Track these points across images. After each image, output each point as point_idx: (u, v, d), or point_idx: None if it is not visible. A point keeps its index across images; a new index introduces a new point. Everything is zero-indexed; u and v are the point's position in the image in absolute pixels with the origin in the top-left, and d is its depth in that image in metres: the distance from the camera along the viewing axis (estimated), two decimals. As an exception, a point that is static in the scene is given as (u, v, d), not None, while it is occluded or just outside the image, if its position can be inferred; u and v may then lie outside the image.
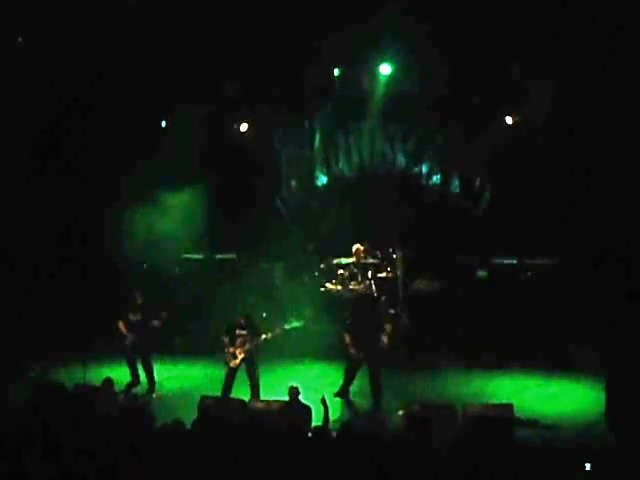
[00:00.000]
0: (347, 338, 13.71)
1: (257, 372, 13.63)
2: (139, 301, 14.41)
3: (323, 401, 11.01)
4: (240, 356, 13.48)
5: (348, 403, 13.75)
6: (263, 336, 13.54)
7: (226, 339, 13.56)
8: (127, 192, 16.89)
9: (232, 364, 13.50)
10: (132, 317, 14.31)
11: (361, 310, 14.30)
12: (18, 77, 15.51)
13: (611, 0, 14.15)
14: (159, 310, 14.25)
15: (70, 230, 16.95)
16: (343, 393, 13.88)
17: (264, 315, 13.79)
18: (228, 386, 13.49)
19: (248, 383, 13.56)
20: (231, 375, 13.54)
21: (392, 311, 15.85)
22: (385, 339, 13.59)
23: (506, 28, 15.15)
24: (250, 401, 12.97)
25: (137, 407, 10.38)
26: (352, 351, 13.66)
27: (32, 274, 16.33)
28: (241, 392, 13.36)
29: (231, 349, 13.52)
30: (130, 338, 14.25)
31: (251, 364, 13.58)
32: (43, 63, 15.53)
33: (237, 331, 13.55)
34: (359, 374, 14.00)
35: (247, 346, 13.49)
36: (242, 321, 13.60)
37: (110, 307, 14.97)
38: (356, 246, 16.94)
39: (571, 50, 14.82)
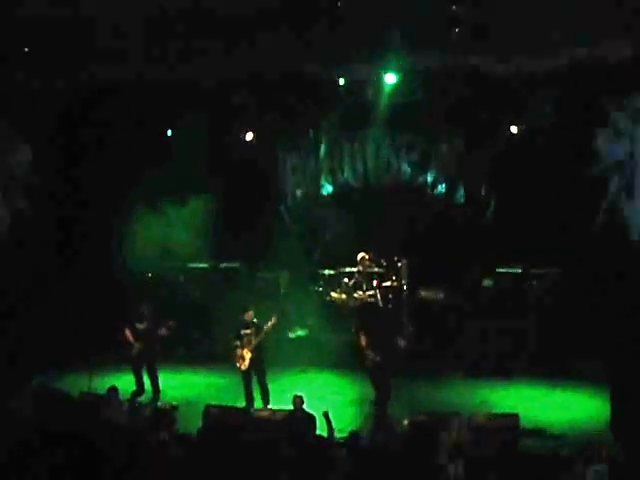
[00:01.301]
0: (363, 340, 13.59)
1: (265, 378, 13.70)
2: (146, 310, 14.42)
3: (326, 416, 10.98)
4: (247, 356, 13.54)
5: (353, 412, 13.74)
6: (264, 327, 13.60)
7: (237, 342, 13.65)
8: (132, 201, 16.91)
9: (242, 366, 13.55)
10: (139, 326, 14.32)
11: (370, 317, 14.29)
12: (22, 83, 15.53)
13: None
14: (165, 319, 14.27)
15: (75, 239, 16.95)
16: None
17: (269, 324, 13.81)
18: (249, 393, 13.58)
19: (259, 390, 13.65)
20: (248, 380, 13.60)
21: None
22: (402, 341, 13.57)
23: (510, 36, 15.13)
24: (255, 410, 13.00)
25: (164, 411, 10.44)
26: (368, 353, 13.56)
27: (37, 283, 16.32)
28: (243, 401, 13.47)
29: (238, 351, 13.58)
30: (136, 347, 14.26)
31: (260, 364, 13.61)
32: (47, 69, 15.54)
33: (242, 331, 13.63)
34: (364, 382, 14.03)
35: (252, 344, 13.54)
36: (245, 319, 13.69)
37: (115, 316, 15.00)
38: (361, 254, 16.96)
39: (572, 60, 14.81)
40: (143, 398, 14.25)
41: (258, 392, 13.70)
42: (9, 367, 14.41)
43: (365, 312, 16.48)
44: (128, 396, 13.89)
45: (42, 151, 16.26)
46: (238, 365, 13.62)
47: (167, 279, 17.84)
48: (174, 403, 13.45)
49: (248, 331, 13.65)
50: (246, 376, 13.67)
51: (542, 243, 16.11)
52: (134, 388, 14.30)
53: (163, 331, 14.20)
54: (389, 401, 13.43)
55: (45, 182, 16.45)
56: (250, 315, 13.77)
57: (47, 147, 16.38)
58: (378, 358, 13.41)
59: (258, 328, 13.68)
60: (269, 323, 13.73)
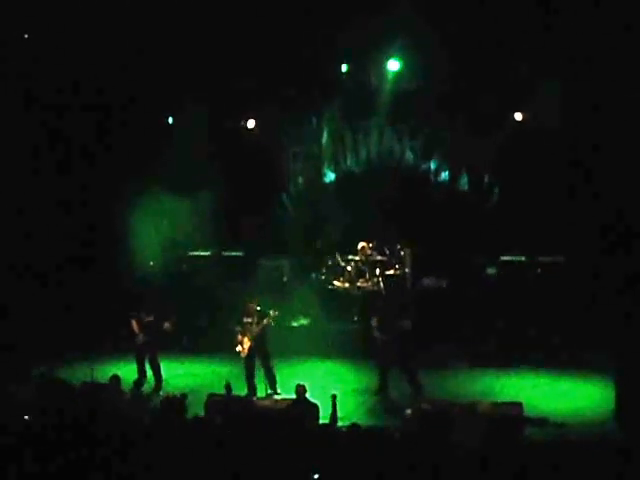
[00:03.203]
0: (374, 322, 13.73)
1: (270, 362, 13.66)
2: (151, 302, 14.39)
3: (334, 399, 10.95)
4: (247, 344, 13.53)
5: (355, 400, 13.68)
6: (265, 320, 13.58)
7: (238, 328, 13.66)
8: (134, 190, 16.84)
9: (242, 353, 13.57)
10: (145, 317, 14.29)
11: (376, 303, 14.27)
12: (23, 73, 15.48)
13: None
14: (170, 310, 14.26)
15: (76, 229, 16.90)
16: (381, 391, 13.83)
17: (271, 313, 13.76)
18: (251, 381, 13.58)
19: (265, 377, 13.65)
20: (249, 368, 13.59)
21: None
22: (407, 323, 13.56)
23: (515, 25, 15.08)
24: (257, 399, 12.96)
25: (177, 400, 10.44)
26: (376, 334, 13.64)
27: (38, 273, 16.28)
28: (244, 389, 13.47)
29: (239, 337, 13.61)
30: (141, 338, 14.24)
31: (262, 352, 13.58)
32: (49, 59, 15.49)
33: (244, 319, 13.62)
34: (366, 371, 13.96)
35: (253, 333, 13.52)
36: (248, 308, 13.68)
37: (117, 306, 14.97)
38: (361, 244, 16.88)
39: (579, 48, 14.74)
40: (145, 387, 14.24)
41: (262, 380, 13.65)
42: (10, 357, 14.38)
43: (368, 300, 16.45)
44: (130, 385, 13.89)
45: (40, 142, 16.26)
46: (238, 350, 13.63)
47: (170, 268, 17.78)
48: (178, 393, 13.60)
49: (250, 319, 13.64)
50: (247, 363, 13.65)
51: (546, 231, 16.04)
52: (136, 377, 14.28)
53: (167, 325, 14.20)
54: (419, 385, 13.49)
55: (45, 173, 16.43)
56: (254, 303, 13.74)
57: (46, 138, 16.36)
58: (385, 338, 13.48)
59: (260, 317, 13.65)
60: (269, 317, 13.69)
